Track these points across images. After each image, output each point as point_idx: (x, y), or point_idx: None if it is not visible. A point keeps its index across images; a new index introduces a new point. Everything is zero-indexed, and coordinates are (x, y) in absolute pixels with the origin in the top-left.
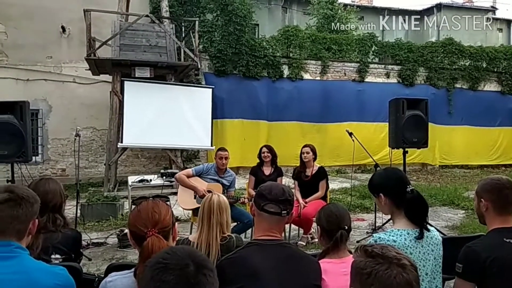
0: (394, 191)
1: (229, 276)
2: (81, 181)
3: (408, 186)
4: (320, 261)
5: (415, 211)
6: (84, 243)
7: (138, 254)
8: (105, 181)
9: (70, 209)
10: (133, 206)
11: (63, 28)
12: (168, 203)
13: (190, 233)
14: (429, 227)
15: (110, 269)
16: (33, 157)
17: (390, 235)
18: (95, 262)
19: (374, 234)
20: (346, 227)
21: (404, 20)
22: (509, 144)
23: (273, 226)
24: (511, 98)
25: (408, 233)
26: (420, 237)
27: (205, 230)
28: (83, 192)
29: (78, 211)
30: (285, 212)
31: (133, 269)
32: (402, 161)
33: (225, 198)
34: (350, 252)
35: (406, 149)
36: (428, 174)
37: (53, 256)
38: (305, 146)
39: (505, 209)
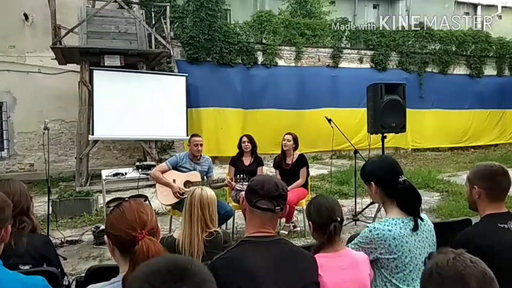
0: (386, 180)
1: (223, 277)
2: (51, 176)
3: (400, 177)
4: (315, 256)
5: (407, 202)
6: (57, 241)
7: (123, 260)
8: (77, 175)
9: (41, 206)
10: (109, 208)
11: (26, 16)
12: (147, 203)
13: (170, 227)
14: (422, 215)
15: (91, 273)
16: None
17: (385, 225)
18: (71, 261)
19: (368, 225)
20: (339, 219)
21: (375, 7)
22: (478, 127)
23: (266, 222)
24: (479, 81)
25: (403, 222)
26: (415, 228)
27: (187, 226)
28: (53, 187)
29: (50, 208)
30: (278, 208)
31: (119, 277)
32: (379, 146)
33: (209, 192)
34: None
35: (385, 134)
36: (401, 158)
37: (21, 267)
38: (287, 134)
39: (498, 195)
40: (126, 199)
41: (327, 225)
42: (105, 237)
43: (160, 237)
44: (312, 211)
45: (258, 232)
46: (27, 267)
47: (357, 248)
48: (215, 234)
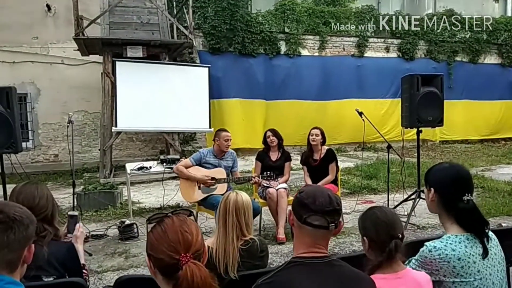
0: (448, 192)
1: None
2: (76, 169)
3: (466, 194)
4: (373, 278)
5: (469, 224)
6: None
7: (166, 286)
8: (101, 167)
9: (66, 198)
10: (150, 225)
11: (48, 7)
12: (192, 218)
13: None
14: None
15: (120, 285)
16: (24, 143)
17: (447, 243)
18: (96, 257)
19: (426, 243)
20: (400, 235)
21: None
22: (509, 118)
23: (318, 240)
24: (511, 70)
25: (467, 239)
26: (484, 254)
27: (221, 234)
28: (78, 178)
29: (74, 201)
30: (332, 225)
31: None
32: (407, 138)
33: (244, 196)
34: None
35: (420, 129)
36: (429, 150)
37: (45, 279)
38: (314, 128)
39: None
40: (169, 214)
41: (386, 243)
42: (146, 258)
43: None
44: (368, 226)
45: (308, 252)
46: (51, 279)
47: (416, 269)
48: (251, 242)
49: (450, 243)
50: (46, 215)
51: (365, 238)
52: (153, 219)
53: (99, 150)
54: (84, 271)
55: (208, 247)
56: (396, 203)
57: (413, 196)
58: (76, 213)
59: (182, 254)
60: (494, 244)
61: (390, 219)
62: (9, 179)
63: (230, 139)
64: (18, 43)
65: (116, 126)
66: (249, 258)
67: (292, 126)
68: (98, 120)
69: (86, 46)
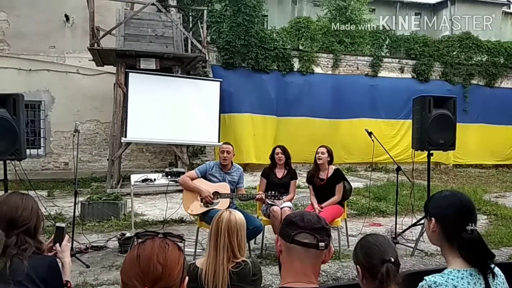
0: (450, 222)
1: None
2: (80, 178)
3: (470, 224)
4: None
5: (473, 257)
6: (83, 246)
7: None
8: (108, 177)
9: (71, 207)
10: (137, 240)
11: (67, 17)
12: (181, 244)
13: (196, 239)
14: (495, 270)
15: None
16: (35, 150)
17: (448, 278)
18: (93, 269)
19: (426, 277)
20: (393, 260)
21: (417, 15)
22: None
23: (308, 266)
24: None
25: (471, 275)
26: None
27: (212, 255)
28: (85, 187)
29: (78, 211)
30: (322, 244)
31: None
32: (418, 160)
33: (238, 215)
34: None
35: (432, 152)
36: (442, 174)
37: None
38: (320, 146)
39: None
40: (158, 236)
41: (377, 267)
42: (121, 280)
43: None
44: (359, 251)
45: (296, 281)
46: None
47: None
48: (243, 265)
49: (452, 279)
50: (29, 228)
51: (358, 266)
52: (141, 235)
53: (107, 160)
54: None
55: (198, 267)
56: (404, 227)
57: (422, 221)
58: (63, 225)
59: (145, 287)
60: (500, 281)
61: (381, 243)
62: (17, 186)
63: (227, 151)
64: (35, 52)
65: (125, 137)
66: (240, 281)
67: (303, 143)
68: (109, 130)
69: (101, 56)
